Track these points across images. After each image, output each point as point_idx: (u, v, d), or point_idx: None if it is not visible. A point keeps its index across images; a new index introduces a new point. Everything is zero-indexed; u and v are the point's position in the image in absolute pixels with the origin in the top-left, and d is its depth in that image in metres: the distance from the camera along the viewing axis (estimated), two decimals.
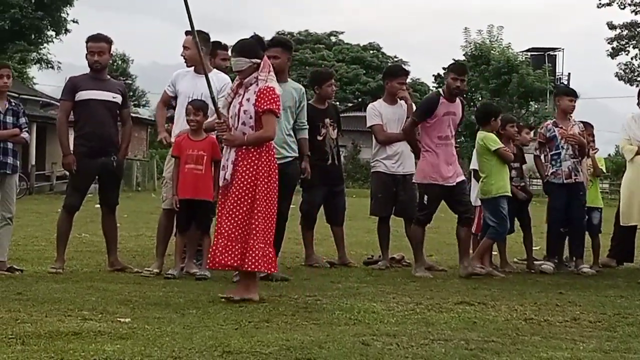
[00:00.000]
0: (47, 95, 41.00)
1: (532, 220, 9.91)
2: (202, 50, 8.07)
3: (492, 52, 46.49)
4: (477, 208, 9.80)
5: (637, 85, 45.13)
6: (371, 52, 67.63)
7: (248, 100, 6.71)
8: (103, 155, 8.51)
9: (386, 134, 9.58)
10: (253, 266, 6.58)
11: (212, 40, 8.73)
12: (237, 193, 6.60)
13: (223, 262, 6.59)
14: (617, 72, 56.47)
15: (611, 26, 55.35)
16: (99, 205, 8.90)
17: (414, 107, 9.50)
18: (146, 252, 10.38)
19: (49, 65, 49.12)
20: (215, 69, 8.53)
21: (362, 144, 49.87)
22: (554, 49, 58.30)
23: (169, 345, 4.78)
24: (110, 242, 8.75)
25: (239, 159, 6.66)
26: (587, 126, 10.03)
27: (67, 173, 9.14)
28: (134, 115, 40.22)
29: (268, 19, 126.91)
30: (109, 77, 8.82)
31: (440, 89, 9.47)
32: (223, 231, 6.60)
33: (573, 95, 9.80)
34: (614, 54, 55.93)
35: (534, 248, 10.07)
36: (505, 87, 45.24)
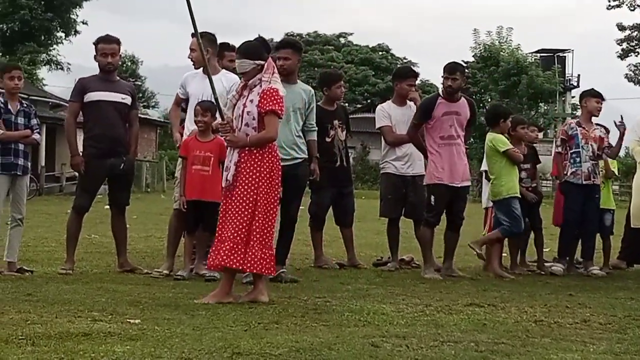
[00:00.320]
0: (57, 97, 41.07)
1: (542, 221, 9.89)
2: (209, 52, 8.10)
3: (502, 53, 46.43)
4: (487, 210, 9.81)
5: None
6: (380, 53, 67.61)
7: (252, 101, 6.70)
8: (113, 156, 8.52)
9: (395, 136, 9.57)
10: (252, 268, 6.60)
11: (219, 41, 8.74)
12: (240, 195, 6.60)
13: (228, 263, 6.58)
14: (626, 74, 56.44)
15: (621, 27, 55.28)
16: (108, 207, 8.91)
17: None
18: (155, 254, 10.40)
19: (59, 67, 49.32)
20: (224, 70, 8.54)
21: (371, 145, 49.86)
22: (563, 51, 58.25)
23: (179, 347, 4.78)
24: (120, 243, 8.76)
25: (242, 160, 6.65)
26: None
27: (77, 174, 9.16)
28: (143, 116, 40.37)
29: (276, 20, 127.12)
30: (118, 78, 8.85)
31: (439, 90, 9.47)
32: (227, 233, 6.60)
33: (600, 97, 9.77)
34: (623, 55, 55.86)
35: (544, 250, 10.05)
36: (515, 89, 45.18)
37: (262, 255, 6.61)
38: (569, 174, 9.63)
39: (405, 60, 66.43)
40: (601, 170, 9.83)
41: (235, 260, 6.56)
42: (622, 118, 9.79)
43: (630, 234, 10.14)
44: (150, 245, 11.53)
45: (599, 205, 9.68)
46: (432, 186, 8.88)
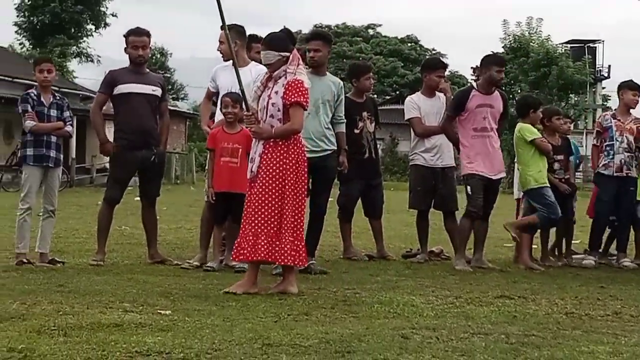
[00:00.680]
0: (87, 89, 41.26)
1: (575, 213, 9.82)
2: (237, 44, 8.14)
3: (531, 44, 46.02)
4: (519, 200, 9.77)
5: None
6: (409, 44, 67.39)
7: (276, 93, 6.70)
8: (143, 148, 8.56)
9: (424, 127, 9.54)
10: (283, 259, 6.60)
11: (248, 33, 8.74)
12: (264, 186, 6.60)
13: (250, 256, 6.60)
14: None
15: None
16: (138, 198, 8.96)
17: None
18: (185, 245, 10.45)
19: (89, 59, 49.60)
20: (253, 62, 8.54)
21: (399, 137, 49.75)
22: (594, 41, 57.76)
23: (209, 338, 4.80)
24: (151, 234, 8.81)
25: (267, 151, 6.66)
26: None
27: (108, 166, 9.23)
28: (172, 108, 40.48)
29: (306, 11, 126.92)
30: (148, 70, 8.88)
31: (473, 82, 9.43)
32: (250, 224, 6.61)
33: (638, 89, 9.69)
34: None
35: (573, 242, 10.00)
36: (545, 80, 44.80)
37: (294, 247, 6.61)
38: (601, 165, 9.58)
39: (434, 52, 66.20)
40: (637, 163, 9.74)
41: (260, 253, 6.57)
42: None
43: None
44: (180, 237, 11.58)
45: (633, 198, 9.60)
46: (467, 177, 8.88)
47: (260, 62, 8.76)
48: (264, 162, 6.63)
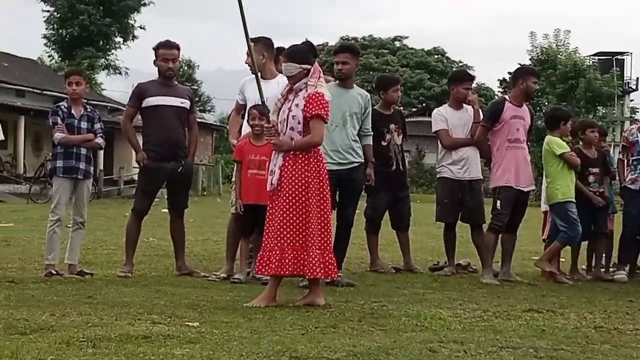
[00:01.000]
0: (115, 101, 41.60)
1: (607, 227, 9.74)
2: (264, 56, 8.21)
3: (559, 56, 45.88)
4: (547, 213, 9.71)
5: None
6: (435, 56, 67.34)
7: (297, 105, 6.70)
8: (171, 160, 8.61)
9: (452, 139, 9.53)
10: (313, 273, 6.58)
11: (275, 45, 8.77)
12: (288, 199, 6.59)
13: (277, 270, 6.60)
14: None
15: None
16: (165, 210, 9.00)
17: (481, 113, 9.47)
18: (212, 257, 10.48)
19: (117, 71, 50.00)
20: (280, 74, 8.56)
21: (426, 149, 49.69)
22: (622, 53, 57.34)
23: (237, 350, 4.80)
24: (178, 246, 8.84)
25: (287, 164, 6.65)
26: None
27: (136, 178, 9.29)
28: (199, 120, 40.60)
29: (332, 23, 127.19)
30: (176, 82, 8.94)
31: (506, 95, 9.41)
32: (276, 238, 6.59)
33: None
34: None
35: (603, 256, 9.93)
36: (572, 92, 44.60)
37: (323, 260, 6.60)
38: (627, 179, 9.52)
39: (460, 64, 66.08)
40: None
41: (288, 267, 6.57)
42: None
43: None
44: (207, 249, 11.61)
45: None
46: (499, 189, 8.84)
47: None
48: (286, 175, 6.63)
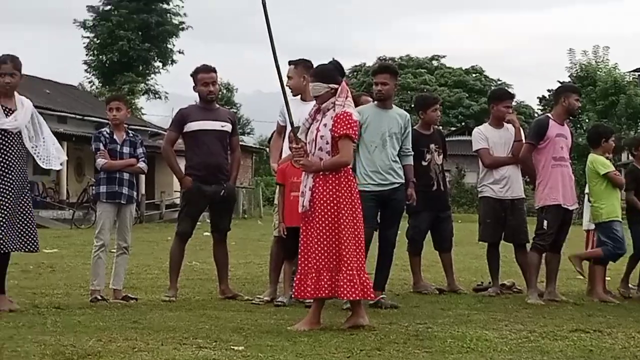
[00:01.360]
0: (155, 125, 41.97)
1: None
2: (305, 78, 8.24)
3: (598, 72, 45.56)
4: (589, 232, 9.61)
5: None
6: (473, 75, 67.15)
7: (325, 125, 6.69)
8: (214, 183, 8.65)
9: (493, 158, 9.48)
10: (348, 295, 6.56)
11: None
12: (321, 221, 6.58)
13: (314, 293, 6.59)
14: None
15: None
16: (207, 233, 9.02)
17: (522, 131, 9.42)
18: (255, 280, 10.49)
19: (157, 96, 50.51)
20: None
21: (466, 168, 49.44)
22: None
23: None
24: (222, 269, 8.87)
25: (317, 185, 6.64)
26: None
27: (177, 202, 9.34)
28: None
29: (370, 44, 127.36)
30: (218, 106, 8.99)
31: (548, 113, 9.34)
32: (312, 261, 6.58)
33: None
34: None
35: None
36: (613, 109, 44.22)
37: (357, 280, 6.56)
38: None
39: (499, 82, 65.82)
40: None
41: (324, 290, 6.56)
42: None
43: None
44: (250, 272, 11.63)
45: None
46: (547, 208, 8.76)
47: None
48: (317, 196, 6.62)
